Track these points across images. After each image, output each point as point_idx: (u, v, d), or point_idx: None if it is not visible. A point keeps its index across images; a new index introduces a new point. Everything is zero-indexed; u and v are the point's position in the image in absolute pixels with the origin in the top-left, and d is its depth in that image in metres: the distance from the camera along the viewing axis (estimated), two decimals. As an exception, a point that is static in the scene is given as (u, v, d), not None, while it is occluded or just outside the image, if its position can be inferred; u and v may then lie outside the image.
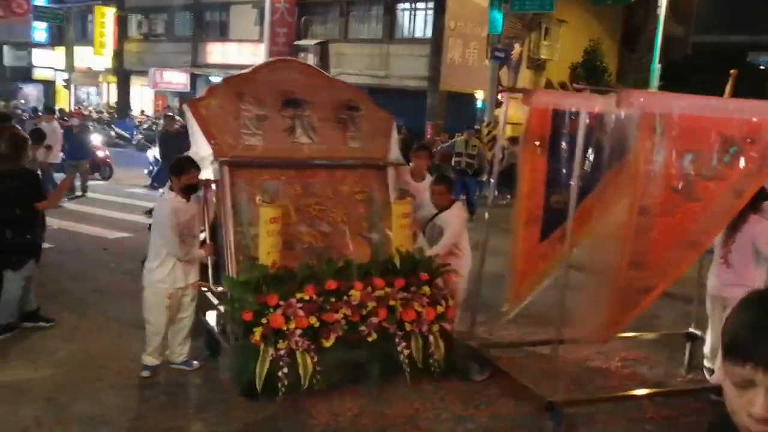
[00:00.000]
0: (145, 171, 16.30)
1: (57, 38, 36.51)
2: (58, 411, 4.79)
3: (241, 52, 28.83)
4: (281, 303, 4.84)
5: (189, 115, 5.41)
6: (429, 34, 23.92)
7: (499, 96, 20.93)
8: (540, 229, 5.52)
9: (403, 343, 5.15)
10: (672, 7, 21.41)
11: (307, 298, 4.92)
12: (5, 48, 41.23)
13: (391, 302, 5.16)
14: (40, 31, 37.01)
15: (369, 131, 6.08)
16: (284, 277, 5.03)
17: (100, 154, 16.55)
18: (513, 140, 19.36)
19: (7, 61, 41.32)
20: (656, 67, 23.44)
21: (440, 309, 5.32)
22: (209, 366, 5.67)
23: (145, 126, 27.86)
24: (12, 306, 6.08)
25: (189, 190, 5.18)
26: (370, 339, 5.05)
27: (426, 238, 6.10)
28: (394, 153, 6.22)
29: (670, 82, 27.08)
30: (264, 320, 4.77)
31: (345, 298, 5.06)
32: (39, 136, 10.26)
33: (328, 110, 5.90)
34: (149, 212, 8.57)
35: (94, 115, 30.44)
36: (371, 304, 5.08)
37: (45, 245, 8.08)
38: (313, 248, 5.55)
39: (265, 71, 5.90)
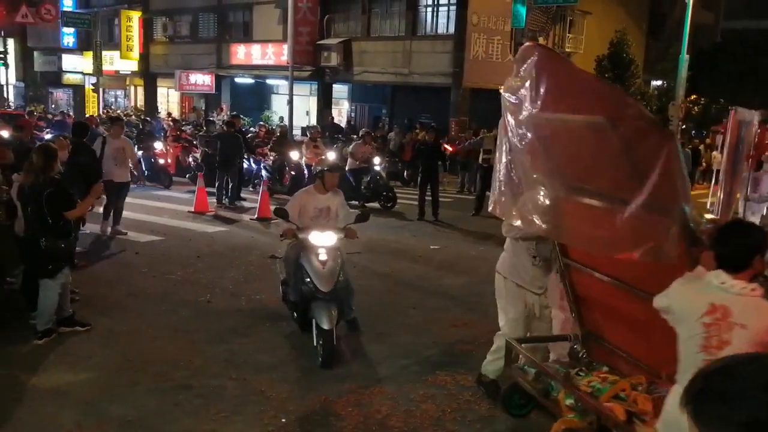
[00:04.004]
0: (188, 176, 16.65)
1: (85, 43, 37.07)
2: (97, 415, 4.94)
3: (264, 52, 29.08)
4: None
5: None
6: (452, 29, 23.87)
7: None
8: None
9: None
10: (700, -7, 21.12)
11: None
12: (36, 54, 42.02)
13: None
14: (68, 36, 37.67)
15: None
16: None
17: (161, 161, 16.59)
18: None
19: (38, 66, 42.10)
20: (685, 57, 23.11)
21: None
22: (242, 368, 5.81)
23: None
24: (49, 312, 6.26)
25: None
26: None
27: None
28: None
29: (699, 71, 26.78)
30: None
31: None
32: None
33: None
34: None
35: (123, 119, 30.85)
36: None
37: (78, 249, 8.33)
38: None
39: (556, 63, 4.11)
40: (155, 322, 6.91)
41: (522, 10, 19.79)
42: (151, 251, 9.94)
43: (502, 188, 4.62)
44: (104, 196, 9.17)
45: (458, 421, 5.04)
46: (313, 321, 5.99)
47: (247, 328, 6.83)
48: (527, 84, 4.22)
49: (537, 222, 4.19)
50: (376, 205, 14.26)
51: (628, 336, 4.62)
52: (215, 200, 14.04)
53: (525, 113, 4.25)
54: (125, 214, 11.03)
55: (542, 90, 4.10)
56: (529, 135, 4.26)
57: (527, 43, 4.60)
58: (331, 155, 16.10)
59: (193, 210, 12.99)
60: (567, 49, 26.18)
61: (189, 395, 5.28)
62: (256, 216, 12.69)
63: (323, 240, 6.30)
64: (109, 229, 10.74)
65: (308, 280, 6.11)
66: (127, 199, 10.93)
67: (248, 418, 4.96)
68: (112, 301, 7.54)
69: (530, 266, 5.19)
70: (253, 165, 16.01)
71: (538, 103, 4.12)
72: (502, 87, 4.59)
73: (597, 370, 4.62)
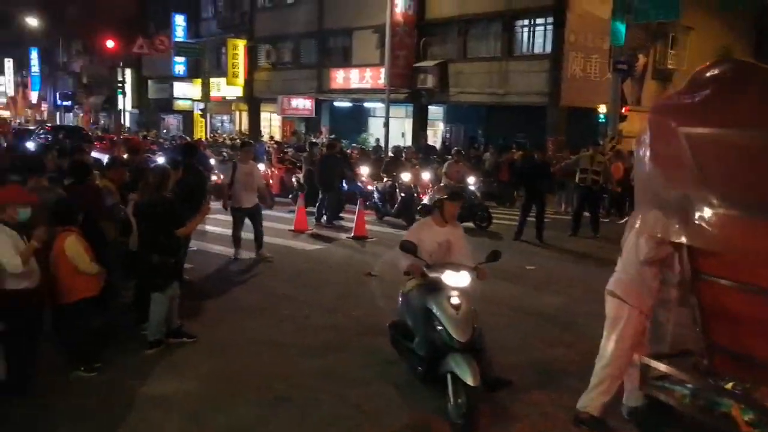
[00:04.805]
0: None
1: (194, 70, 39.09)
2: (200, 423, 5.18)
3: (362, 76, 29.70)
4: None
5: None
6: (548, 49, 23.66)
7: (623, 110, 20.42)
8: None
9: None
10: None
11: None
12: (150, 82, 44.68)
13: None
14: (179, 65, 39.82)
15: None
16: None
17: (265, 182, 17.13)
18: (630, 154, 18.73)
19: (151, 94, 44.80)
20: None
21: None
22: (338, 382, 5.95)
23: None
24: (159, 324, 6.63)
25: None
26: None
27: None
28: None
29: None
30: None
31: None
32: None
33: None
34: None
35: (228, 142, 32.25)
36: None
37: (186, 266, 8.78)
38: None
39: None
40: (256, 336, 7.18)
41: (621, 28, 19.32)
42: (252, 268, 10.33)
43: (651, 206, 4.61)
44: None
45: (552, 442, 4.99)
46: (449, 376, 5.17)
47: (344, 343, 6.99)
48: (710, 100, 4.24)
49: (710, 238, 4.17)
50: (470, 224, 14.24)
51: None
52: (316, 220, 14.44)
53: (699, 129, 4.26)
54: (230, 232, 11.18)
55: (738, 105, 4.11)
56: (702, 152, 4.24)
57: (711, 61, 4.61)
58: (426, 175, 16.24)
59: (293, 228, 13.41)
60: (669, 66, 25.40)
61: (287, 407, 5.44)
62: (352, 235, 12.96)
63: (457, 281, 5.51)
64: (241, 253, 10.81)
65: (440, 327, 5.31)
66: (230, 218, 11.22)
67: (343, 430, 5.08)
68: (217, 315, 7.89)
69: (655, 291, 5.03)
70: (345, 185, 16.17)
71: (727, 118, 4.11)
72: (653, 104, 4.74)
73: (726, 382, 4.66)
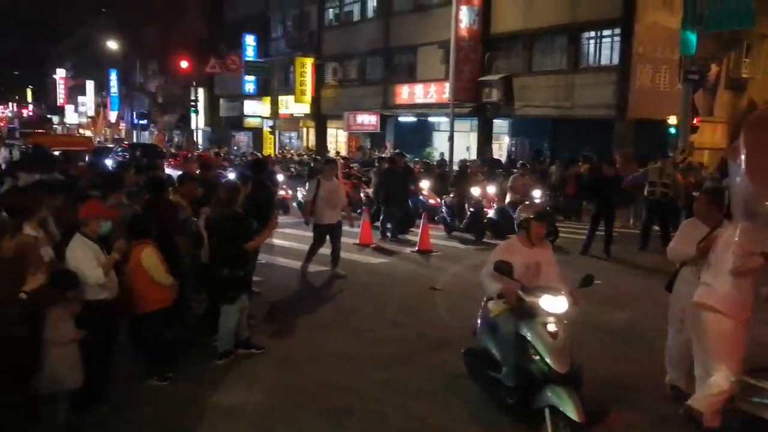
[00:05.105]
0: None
1: (263, 89, 40.07)
2: (268, 433, 5.33)
3: (427, 91, 29.83)
4: None
5: None
6: (615, 60, 23.25)
7: (695, 121, 19.86)
8: None
9: None
10: None
11: None
12: (221, 101, 46.04)
13: None
14: (249, 83, 40.88)
15: None
16: None
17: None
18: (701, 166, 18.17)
19: (223, 112, 46.16)
20: None
21: None
22: (402, 395, 6.00)
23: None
24: (229, 335, 6.84)
25: None
26: None
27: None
28: None
29: None
30: None
31: None
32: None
33: None
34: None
35: (296, 158, 32.88)
36: None
37: (254, 279, 9.00)
38: None
39: None
40: (322, 348, 7.31)
41: (692, 37, 18.80)
42: (319, 281, 10.51)
43: (746, 218, 4.65)
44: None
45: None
46: (546, 410, 4.76)
47: (408, 356, 7.05)
48: None
49: None
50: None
51: None
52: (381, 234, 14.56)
53: None
54: (301, 246, 11.30)
55: None
56: None
57: None
58: (491, 189, 16.17)
59: (358, 242, 13.58)
60: (743, 75, 24.59)
61: (352, 419, 5.53)
62: (416, 248, 13.02)
63: (555, 306, 5.08)
64: (308, 267, 10.83)
65: (536, 357, 4.90)
66: (299, 231, 11.45)
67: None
68: (285, 327, 8.08)
69: (750, 305, 4.91)
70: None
71: None
72: (752, 117, 4.80)
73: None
